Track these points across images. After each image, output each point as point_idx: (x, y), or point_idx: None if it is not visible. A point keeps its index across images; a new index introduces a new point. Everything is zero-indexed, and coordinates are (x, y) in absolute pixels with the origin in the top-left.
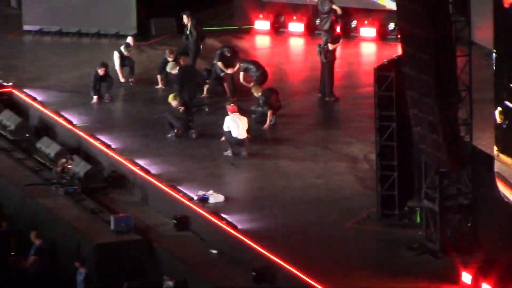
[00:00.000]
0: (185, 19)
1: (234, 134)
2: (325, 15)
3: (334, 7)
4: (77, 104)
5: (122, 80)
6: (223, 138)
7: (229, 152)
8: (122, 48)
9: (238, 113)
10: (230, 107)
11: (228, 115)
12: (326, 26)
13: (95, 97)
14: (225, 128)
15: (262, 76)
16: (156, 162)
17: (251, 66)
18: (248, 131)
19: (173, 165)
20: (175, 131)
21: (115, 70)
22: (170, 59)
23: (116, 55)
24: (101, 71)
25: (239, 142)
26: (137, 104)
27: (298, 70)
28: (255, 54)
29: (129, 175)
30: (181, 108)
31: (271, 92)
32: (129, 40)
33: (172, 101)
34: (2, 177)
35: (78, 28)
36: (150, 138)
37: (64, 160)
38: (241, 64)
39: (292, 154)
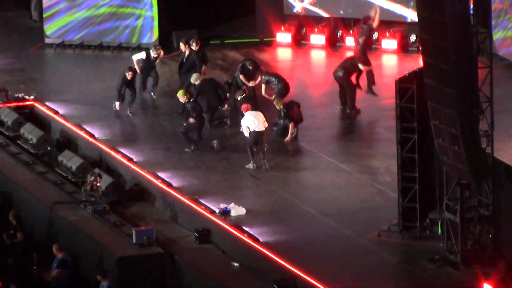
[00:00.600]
0: (182, 47)
1: (252, 129)
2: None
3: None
4: (98, 117)
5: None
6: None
7: (250, 165)
8: (150, 51)
9: (251, 110)
10: (243, 106)
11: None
12: (361, 41)
13: (117, 103)
14: (244, 129)
15: (283, 88)
16: (178, 175)
17: (273, 79)
18: (266, 142)
19: (195, 178)
20: (194, 146)
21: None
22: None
23: (141, 54)
24: (129, 75)
25: (259, 136)
26: (159, 117)
27: (320, 83)
28: (277, 67)
29: (151, 188)
30: (192, 120)
31: (292, 105)
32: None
33: (181, 96)
34: (24, 190)
35: (100, 41)
36: (172, 151)
37: (92, 178)
38: (263, 77)
39: (313, 167)
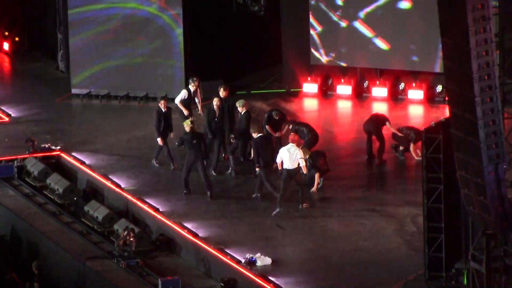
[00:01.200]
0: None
1: (285, 166)
2: None
3: None
4: (125, 168)
5: (185, 113)
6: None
7: (277, 211)
8: (189, 85)
9: (295, 145)
10: (291, 135)
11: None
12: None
13: (159, 139)
14: (278, 159)
15: (313, 138)
16: (204, 225)
17: (302, 128)
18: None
19: (220, 227)
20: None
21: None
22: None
23: (182, 94)
24: (162, 105)
25: (290, 174)
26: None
27: (346, 133)
28: (303, 117)
29: (177, 238)
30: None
31: (318, 155)
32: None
33: (187, 126)
34: (50, 240)
35: (126, 91)
36: (199, 201)
37: (125, 232)
38: (292, 126)
39: (339, 216)
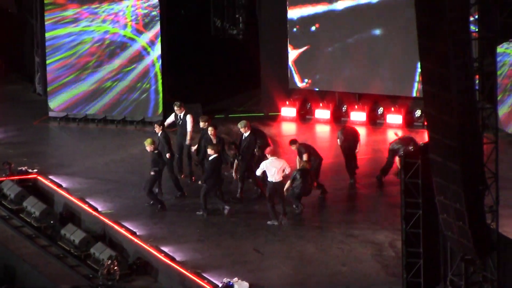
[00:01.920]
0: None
1: (269, 178)
2: None
3: None
4: (102, 191)
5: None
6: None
7: (273, 222)
8: (175, 109)
9: (276, 157)
10: (268, 149)
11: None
12: None
13: (181, 176)
14: (259, 172)
15: (318, 165)
16: (181, 249)
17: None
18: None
19: (198, 251)
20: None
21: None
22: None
23: (170, 118)
24: (149, 148)
25: (276, 187)
26: (163, 191)
27: (324, 157)
28: (281, 141)
29: (154, 262)
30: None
31: (308, 173)
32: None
33: (148, 145)
34: (27, 263)
35: (104, 114)
36: (176, 225)
37: (109, 261)
38: (298, 147)
39: (317, 241)
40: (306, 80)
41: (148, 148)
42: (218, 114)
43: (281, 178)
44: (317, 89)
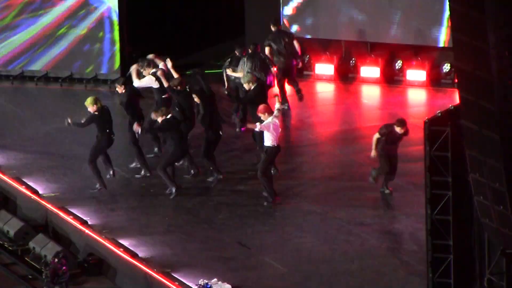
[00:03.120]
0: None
1: (272, 142)
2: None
3: None
4: (43, 168)
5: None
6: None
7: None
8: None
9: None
10: (264, 107)
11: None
12: None
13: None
14: (257, 128)
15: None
16: (145, 242)
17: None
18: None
19: (167, 246)
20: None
21: None
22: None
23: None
24: (119, 89)
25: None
26: (121, 168)
27: (327, 124)
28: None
29: (110, 259)
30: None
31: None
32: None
33: (89, 105)
34: None
35: (45, 71)
36: (138, 211)
37: (56, 260)
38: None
39: (318, 231)
40: (308, 25)
41: (90, 109)
42: (189, 70)
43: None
44: (321, 36)
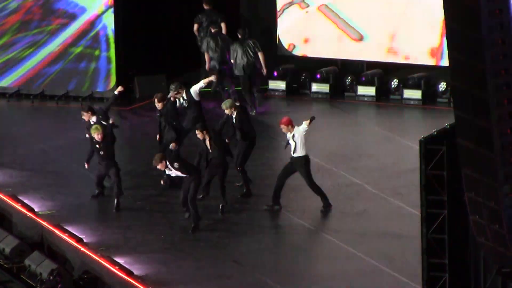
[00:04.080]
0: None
1: (303, 152)
2: None
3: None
4: (39, 186)
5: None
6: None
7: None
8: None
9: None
10: (286, 119)
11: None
12: None
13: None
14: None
15: None
16: (140, 260)
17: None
18: None
19: (162, 264)
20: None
21: None
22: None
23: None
24: (86, 117)
25: None
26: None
27: (327, 144)
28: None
29: (105, 277)
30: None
31: None
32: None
33: (96, 133)
34: None
35: (41, 89)
36: (134, 230)
37: (51, 277)
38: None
39: (315, 251)
40: (303, 43)
41: (96, 137)
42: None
43: None
44: (316, 55)
